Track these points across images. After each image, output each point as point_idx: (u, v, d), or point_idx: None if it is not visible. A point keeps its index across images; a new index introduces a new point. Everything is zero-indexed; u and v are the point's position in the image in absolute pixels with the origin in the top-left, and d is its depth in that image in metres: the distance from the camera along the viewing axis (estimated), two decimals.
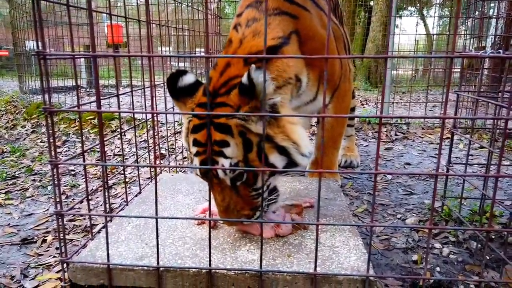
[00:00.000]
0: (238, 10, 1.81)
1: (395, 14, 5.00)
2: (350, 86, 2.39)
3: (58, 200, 1.29)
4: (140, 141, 4.37)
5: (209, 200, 1.30)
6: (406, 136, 4.55)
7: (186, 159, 3.37)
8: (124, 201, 2.26)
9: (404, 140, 4.43)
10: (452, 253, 1.91)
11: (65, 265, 1.37)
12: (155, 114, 1.31)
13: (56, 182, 1.29)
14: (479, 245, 1.92)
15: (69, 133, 4.82)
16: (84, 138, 4.62)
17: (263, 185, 1.41)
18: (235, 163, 1.37)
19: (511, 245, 1.95)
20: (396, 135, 4.58)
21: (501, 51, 1.82)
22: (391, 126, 4.82)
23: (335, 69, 2.11)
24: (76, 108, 1.36)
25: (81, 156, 1.53)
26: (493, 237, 2.02)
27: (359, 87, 9.98)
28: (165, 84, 1.64)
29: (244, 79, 1.33)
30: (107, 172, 3.09)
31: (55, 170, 1.28)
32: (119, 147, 4.05)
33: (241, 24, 1.67)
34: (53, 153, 1.25)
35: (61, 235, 1.33)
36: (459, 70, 5.73)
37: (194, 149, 1.45)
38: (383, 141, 4.38)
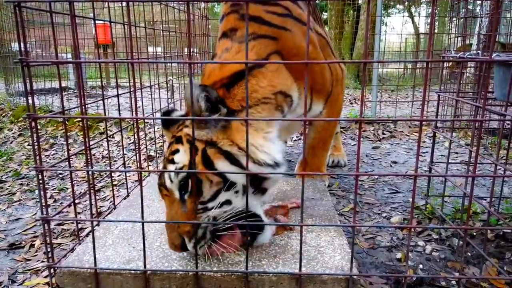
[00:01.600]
0: (220, 29, 1.84)
1: (381, 14, 5.05)
2: (342, 88, 2.47)
3: (44, 205, 1.30)
4: (129, 143, 4.36)
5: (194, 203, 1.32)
6: (393, 135, 4.61)
7: None
8: (112, 204, 2.27)
9: (391, 139, 4.49)
10: (434, 250, 1.96)
11: (52, 270, 1.38)
12: (139, 120, 1.33)
13: (41, 188, 1.29)
14: (461, 242, 1.97)
15: (57, 136, 4.78)
16: (71, 141, 4.58)
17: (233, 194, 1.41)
18: (180, 167, 1.41)
19: (491, 242, 2.00)
20: (383, 133, 4.64)
21: (480, 52, 1.87)
22: (379, 125, 4.87)
23: (326, 78, 2.16)
24: (60, 114, 1.37)
25: (68, 161, 1.54)
26: (475, 234, 2.07)
27: (349, 85, 10.06)
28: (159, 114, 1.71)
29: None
30: (96, 175, 3.08)
31: (40, 176, 1.29)
32: (107, 149, 4.03)
33: (216, 56, 1.79)
34: (38, 159, 1.26)
35: (48, 240, 1.34)
36: (447, 67, 5.81)
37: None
38: (371, 140, 4.44)
